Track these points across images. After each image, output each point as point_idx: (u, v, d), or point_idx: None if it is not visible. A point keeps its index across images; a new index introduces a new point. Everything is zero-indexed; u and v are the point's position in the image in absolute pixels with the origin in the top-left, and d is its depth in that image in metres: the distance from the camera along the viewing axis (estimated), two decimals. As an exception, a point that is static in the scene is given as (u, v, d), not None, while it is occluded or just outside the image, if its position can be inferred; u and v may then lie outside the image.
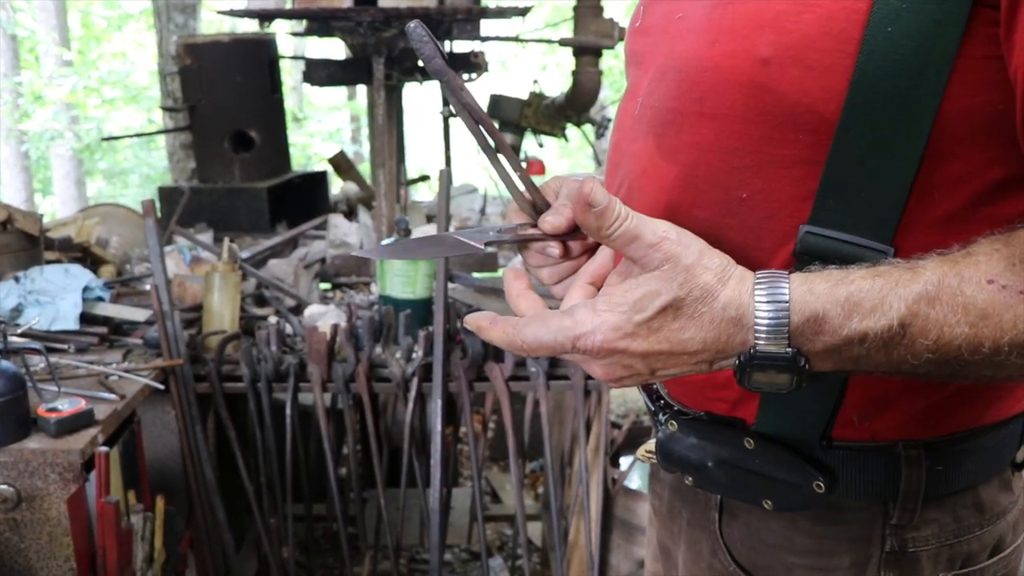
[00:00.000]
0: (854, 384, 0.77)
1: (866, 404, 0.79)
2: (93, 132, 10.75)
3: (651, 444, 0.93)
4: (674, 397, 0.91)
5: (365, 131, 10.97)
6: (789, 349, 0.65)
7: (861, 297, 0.64)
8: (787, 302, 0.65)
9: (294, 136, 10.56)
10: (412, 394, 2.26)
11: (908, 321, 0.63)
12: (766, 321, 0.65)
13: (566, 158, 13.59)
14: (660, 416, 0.90)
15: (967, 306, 0.63)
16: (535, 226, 0.83)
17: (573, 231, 0.81)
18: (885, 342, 0.64)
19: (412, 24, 0.70)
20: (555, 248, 0.82)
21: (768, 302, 0.66)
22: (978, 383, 0.71)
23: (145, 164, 11.66)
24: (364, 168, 5.24)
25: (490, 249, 0.82)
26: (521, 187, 0.82)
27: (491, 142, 0.78)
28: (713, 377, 0.82)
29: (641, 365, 0.70)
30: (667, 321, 0.67)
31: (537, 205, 0.83)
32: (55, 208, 10.95)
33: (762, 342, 0.66)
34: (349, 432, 2.35)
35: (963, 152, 0.69)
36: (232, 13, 3.13)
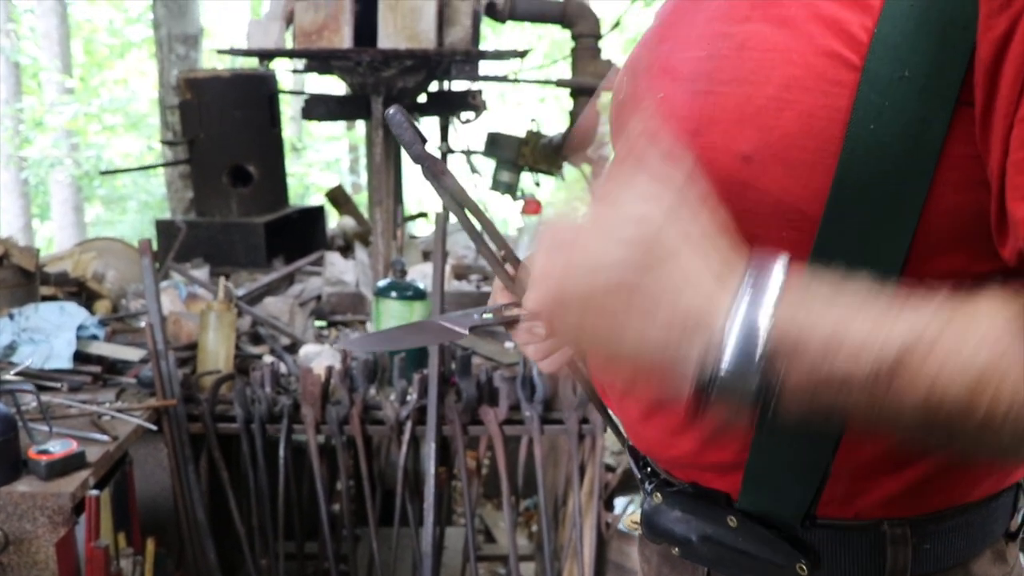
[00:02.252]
0: (839, 461, 0.76)
1: (850, 481, 0.77)
2: (93, 159, 10.78)
3: (637, 515, 0.92)
4: (661, 467, 0.91)
5: (363, 160, 11.01)
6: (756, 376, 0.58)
7: (848, 330, 0.58)
8: (770, 319, 0.58)
9: (292, 166, 10.59)
10: (406, 437, 2.25)
11: (896, 368, 0.57)
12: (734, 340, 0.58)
13: (564, 193, 13.62)
14: (647, 485, 0.89)
15: (964, 367, 0.57)
16: (520, 305, 0.82)
17: None
18: (870, 384, 0.58)
19: (392, 110, 0.70)
20: (541, 327, 0.81)
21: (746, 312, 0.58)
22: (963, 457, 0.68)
23: (144, 191, 11.67)
24: (361, 198, 5.25)
25: (474, 334, 0.81)
26: (506, 265, 0.82)
27: (476, 224, 0.78)
28: (704, 452, 0.81)
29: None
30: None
31: (523, 282, 0.83)
32: (52, 233, 10.96)
33: (726, 363, 0.58)
34: (342, 472, 2.33)
35: (948, 249, 0.68)
36: (233, 52, 3.15)
